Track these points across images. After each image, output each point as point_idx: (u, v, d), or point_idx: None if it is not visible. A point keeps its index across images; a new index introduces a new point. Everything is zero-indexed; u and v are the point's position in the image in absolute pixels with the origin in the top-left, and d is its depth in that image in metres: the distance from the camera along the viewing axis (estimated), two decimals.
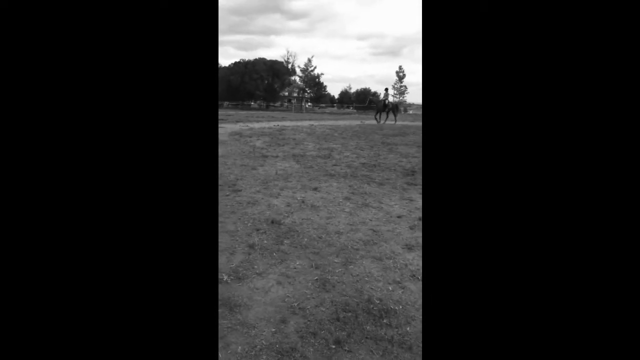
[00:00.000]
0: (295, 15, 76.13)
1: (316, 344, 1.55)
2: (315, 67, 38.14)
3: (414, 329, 1.68)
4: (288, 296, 1.92)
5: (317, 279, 2.10)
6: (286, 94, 39.03)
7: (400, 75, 40.84)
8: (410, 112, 35.48)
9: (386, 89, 15.38)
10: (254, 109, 31.60)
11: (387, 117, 15.12)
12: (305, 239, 2.67)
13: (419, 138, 9.40)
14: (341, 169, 5.20)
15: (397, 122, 15.07)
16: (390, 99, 15.77)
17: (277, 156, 6.08)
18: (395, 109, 15.56)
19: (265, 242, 2.60)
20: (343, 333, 1.62)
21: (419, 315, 1.78)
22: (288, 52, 45.82)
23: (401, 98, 40.57)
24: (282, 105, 37.45)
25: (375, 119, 14.99)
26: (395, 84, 40.90)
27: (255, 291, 1.96)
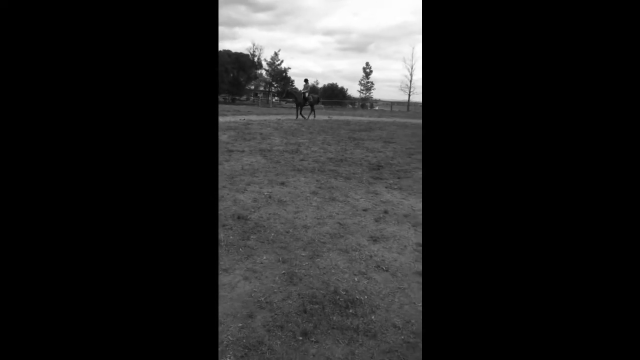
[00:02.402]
0: (261, 8, 74.55)
1: (283, 336, 1.56)
2: (282, 61, 37.75)
3: (379, 317, 1.74)
4: (255, 291, 1.91)
5: (284, 273, 2.11)
6: (252, 87, 38.29)
7: (367, 71, 41.52)
8: (377, 107, 36.21)
9: (306, 80, 13.69)
10: (219, 102, 30.77)
11: (312, 111, 13.22)
12: (272, 234, 2.66)
13: (385, 133, 9.63)
14: (308, 164, 5.21)
15: (316, 118, 13.05)
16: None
17: (243, 151, 5.97)
18: (315, 103, 13.48)
19: (231, 237, 2.56)
20: (310, 325, 1.64)
21: (383, 304, 1.85)
22: (254, 45, 44.85)
23: (368, 94, 41.25)
24: (248, 99, 36.70)
25: (298, 114, 12.87)
26: (362, 79, 41.52)
27: (221, 287, 1.93)
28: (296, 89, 13.91)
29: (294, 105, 13.34)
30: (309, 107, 13.35)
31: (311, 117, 13.15)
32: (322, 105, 30.88)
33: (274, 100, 32.10)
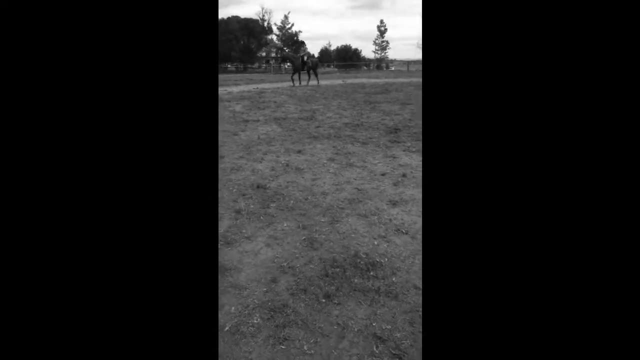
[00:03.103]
0: None
1: (307, 299, 1.62)
2: (292, 25, 36.32)
3: (400, 278, 1.76)
4: (277, 257, 1.97)
5: (305, 239, 2.15)
6: (264, 54, 37.31)
7: (382, 29, 39.41)
8: (392, 68, 34.75)
9: (302, 43, 12.89)
10: (231, 71, 30.22)
11: (310, 77, 12.77)
12: (292, 202, 2.69)
13: (401, 95, 9.30)
14: (324, 130, 5.14)
15: (320, 83, 12.60)
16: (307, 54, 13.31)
17: (258, 120, 5.94)
18: (315, 67, 12.87)
19: (251, 206, 2.60)
20: (332, 287, 1.69)
21: (404, 266, 1.87)
22: (263, 9, 43.11)
23: (383, 54, 39.47)
24: (260, 66, 35.91)
25: (292, 80, 12.42)
26: (376, 39, 39.56)
27: (245, 254, 1.99)
28: (299, 51, 13.23)
29: (305, 70, 12.69)
30: (308, 73, 12.78)
31: (312, 82, 12.55)
32: (336, 69, 29.87)
33: (286, 66, 31.33)
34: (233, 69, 33.49)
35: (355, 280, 1.74)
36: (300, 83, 12.36)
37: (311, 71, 12.66)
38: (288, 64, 13.98)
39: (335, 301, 1.60)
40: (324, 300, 1.61)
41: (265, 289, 1.69)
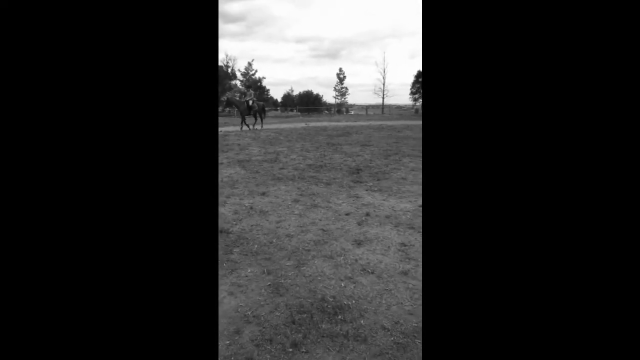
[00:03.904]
0: (232, 19, 74.42)
1: (273, 350, 1.53)
2: (256, 71, 37.71)
3: (368, 320, 1.73)
4: (241, 305, 1.87)
5: (269, 285, 2.08)
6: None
7: (341, 77, 41.99)
8: (352, 112, 36.63)
9: (248, 87, 13.26)
10: None
11: (256, 120, 12.77)
12: (256, 246, 2.62)
13: (362, 137, 9.74)
14: (288, 172, 5.20)
15: (263, 127, 12.58)
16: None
17: (221, 163, 5.89)
18: (261, 111, 12.82)
19: None
20: (299, 335, 1.62)
21: (371, 307, 1.85)
22: (227, 56, 44.63)
23: (343, 99, 41.67)
24: (223, 110, 36.28)
25: (242, 125, 12.10)
26: (336, 85, 41.93)
27: None
28: (238, 97, 13.07)
29: (269, 114, 12.96)
30: (256, 116, 12.83)
31: (257, 126, 12.69)
32: (299, 113, 30.87)
33: (232, 111, 31.81)
34: None
35: (323, 326, 1.69)
36: (247, 127, 12.28)
37: (257, 115, 12.77)
38: (233, 108, 14.04)
39: (303, 349, 1.53)
40: (291, 350, 1.53)
41: (228, 342, 1.58)
